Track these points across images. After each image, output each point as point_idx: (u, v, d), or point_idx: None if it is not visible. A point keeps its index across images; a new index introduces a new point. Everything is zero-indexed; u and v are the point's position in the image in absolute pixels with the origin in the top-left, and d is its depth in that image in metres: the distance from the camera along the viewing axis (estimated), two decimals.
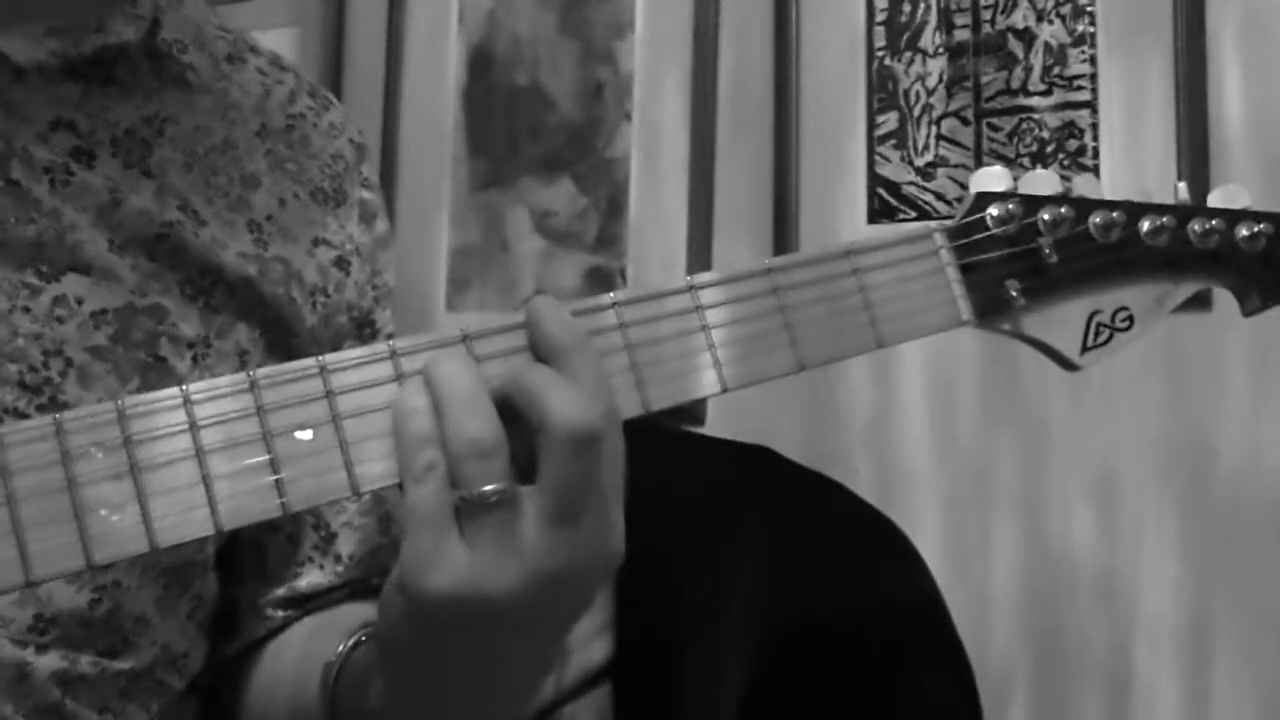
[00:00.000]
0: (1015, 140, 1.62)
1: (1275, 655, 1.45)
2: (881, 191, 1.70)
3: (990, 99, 1.65)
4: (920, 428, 1.65)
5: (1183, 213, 0.78)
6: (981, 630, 1.53)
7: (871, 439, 1.68)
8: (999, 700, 1.52)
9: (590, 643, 1.24)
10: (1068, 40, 1.60)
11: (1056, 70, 1.61)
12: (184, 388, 0.65)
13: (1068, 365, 0.77)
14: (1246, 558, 1.47)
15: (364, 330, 0.93)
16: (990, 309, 0.76)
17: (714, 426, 1.73)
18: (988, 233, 0.76)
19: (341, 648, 0.79)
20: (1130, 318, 0.77)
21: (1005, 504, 1.59)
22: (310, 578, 0.90)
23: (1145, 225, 0.77)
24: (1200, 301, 1.51)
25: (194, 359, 0.82)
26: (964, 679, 1.20)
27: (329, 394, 0.66)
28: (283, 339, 0.87)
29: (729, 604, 1.20)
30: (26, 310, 0.78)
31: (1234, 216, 0.79)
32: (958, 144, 1.66)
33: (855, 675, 1.17)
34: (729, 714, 1.15)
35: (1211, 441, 1.49)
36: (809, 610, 1.20)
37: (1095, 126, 1.58)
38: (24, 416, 0.75)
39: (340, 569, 0.91)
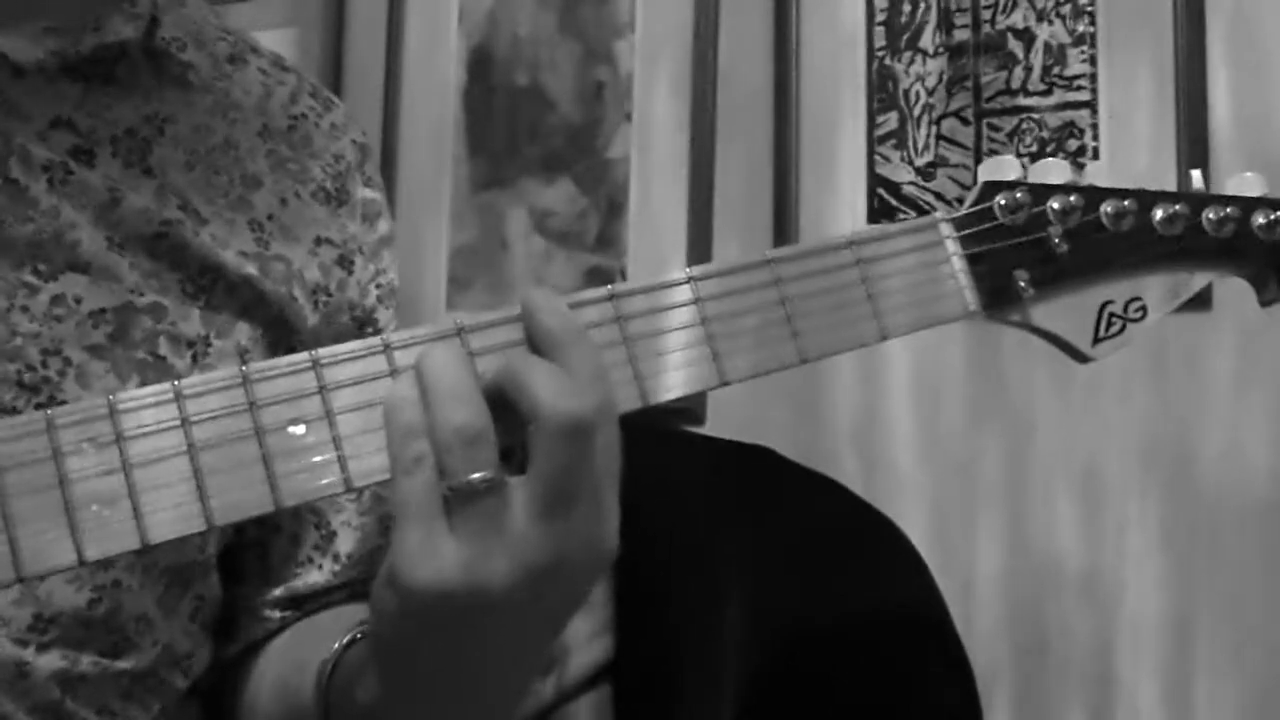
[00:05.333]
0: (1015, 140, 1.62)
1: (1256, 652, 1.45)
2: (881, 191, 1.70)
3: (990, 99, 1.65)
4: (906, 426, 1.65)
5: (1196, 201, 0.77)
6: (965, 628, 1.52)
7: (857, 438, 1.68)
8: (983, 698, 1.52)
9: (590, 643, 1.24)
10: (1068, 40, 1.60)
11: (1056, 70, 1.61)
12: (175, 383, 0.64)
13: (1080, 357, 0.76)
14: (1229, 556, 1.47)
15: (366, 329, 0.93)
16: (998, 300, 0.74)
17: (713, 426, 1.73)
18: (995, 222, 0.75)
19: (336, 646, 0.79)
20: (1144, 308, 0.76)
21: (990, 502, 1.60)
22: (309, 577, 0.90)
23: (1158, 214, 0.76)
24: (1199, 301, 1.51)
25: (193, 358, 0.82)
26: (965, 679, 1.20)
27: (322, 389, 0.65)
28: (284, 338, 0.87)
29: (729, 604, 1.20)
30: (25, 309, 0.78)
31: (1249, 204, 0.77)
32: (958, 144, 1.66)
33: (855, 675, 1.17)
34: (729, 714, 1.15)
35: (1195, 440, 1.50)
36: (809, 610, 1.19)
37: (1095, 126, 1.58)
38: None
39: (338, 568, 0.90)
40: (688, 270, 0.70)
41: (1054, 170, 0.76)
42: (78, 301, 0.79)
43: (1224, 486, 1.47)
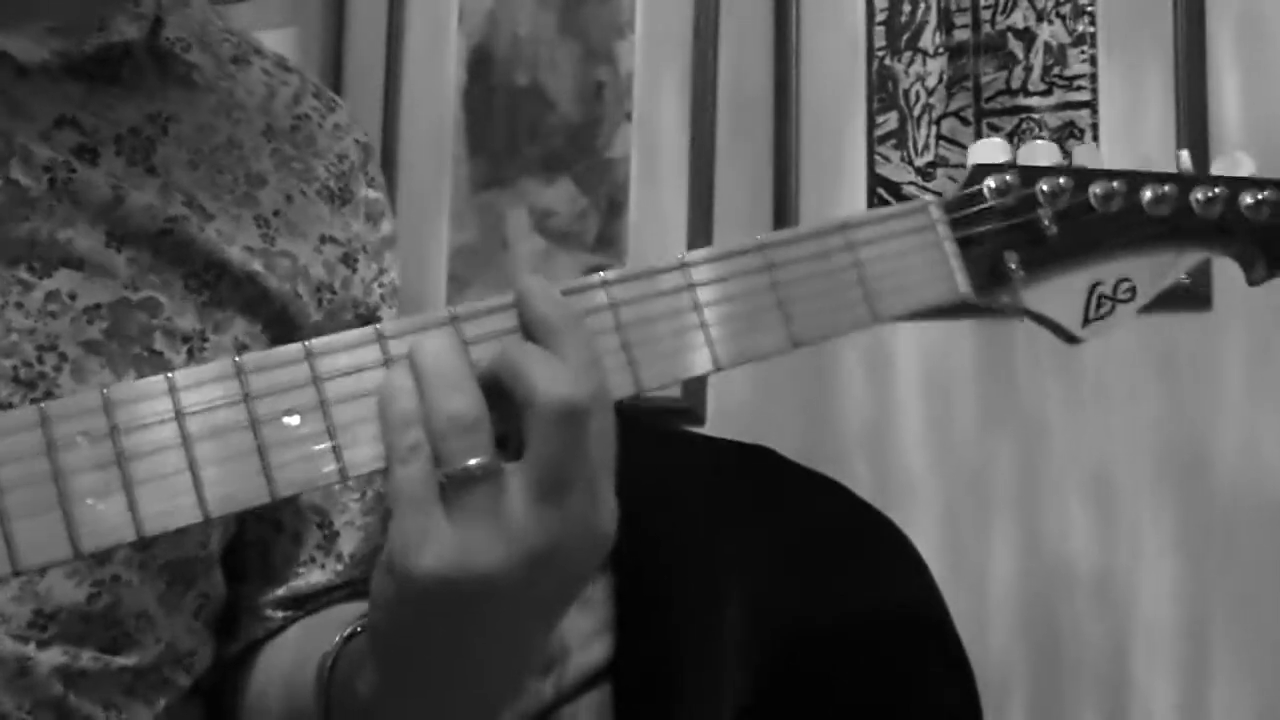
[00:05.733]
0: (1015, 140, 1.62)
1: (1272, 656, 1.45)
2: (881, 191, 1.70)
3: (990, 99, 1.65)
4: (917, 429, 1.65)
5: (1185, 182, 0.77)
6: (979, 632, 1.53)
7: (868, 441, 1.68)
8: (997, 702, 1.52)
9: (590, 643, 1.24)
10: (1068, 40, 1.60)
11: (1056, 70, 1.61)
12: (170, 375, 0.64)
13: (1069, 338, 0.76)
14: (1243, 558, 1.46)
15: None
16: (988, 282, 0.75)
17: (714, 427, 1.73)
18: (985, 205, 0.75)
19: (337, 639, 0.79)
20: (1133, 289, 0.76)
21: (1002, 505, 1.59)
22: (311, 577, 0.90)
23: (1147, 195, 0.77)
24: (1199, 301, 1.51)
25: (189, 352, 0.82)
26: (965, 679, 1.20)
27: (316, 379, 0.65)
28: (286, 334, 0.87)
29: (729, 604, 1.20)
30: (19, 306, 0.78)
31: (1237, 184, 0.77)
32: (958, 144, 1.66)
33: (855, 676, 1.17)
34: (729, 714, 1.15)
35: (1208, 442, 1.49)
36: (809, 611, 1.19)
37: (1095, 126, 1.57)
38: None
39: (341, 568, 0.90)
40: (680, 256, 0.70)
41: (1043, 153, 0.76)
42: (72, 297, 0.79)
43: (1237, 487, 1.47)
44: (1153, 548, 1.51)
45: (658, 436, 1.36)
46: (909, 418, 1.66)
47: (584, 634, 1.24)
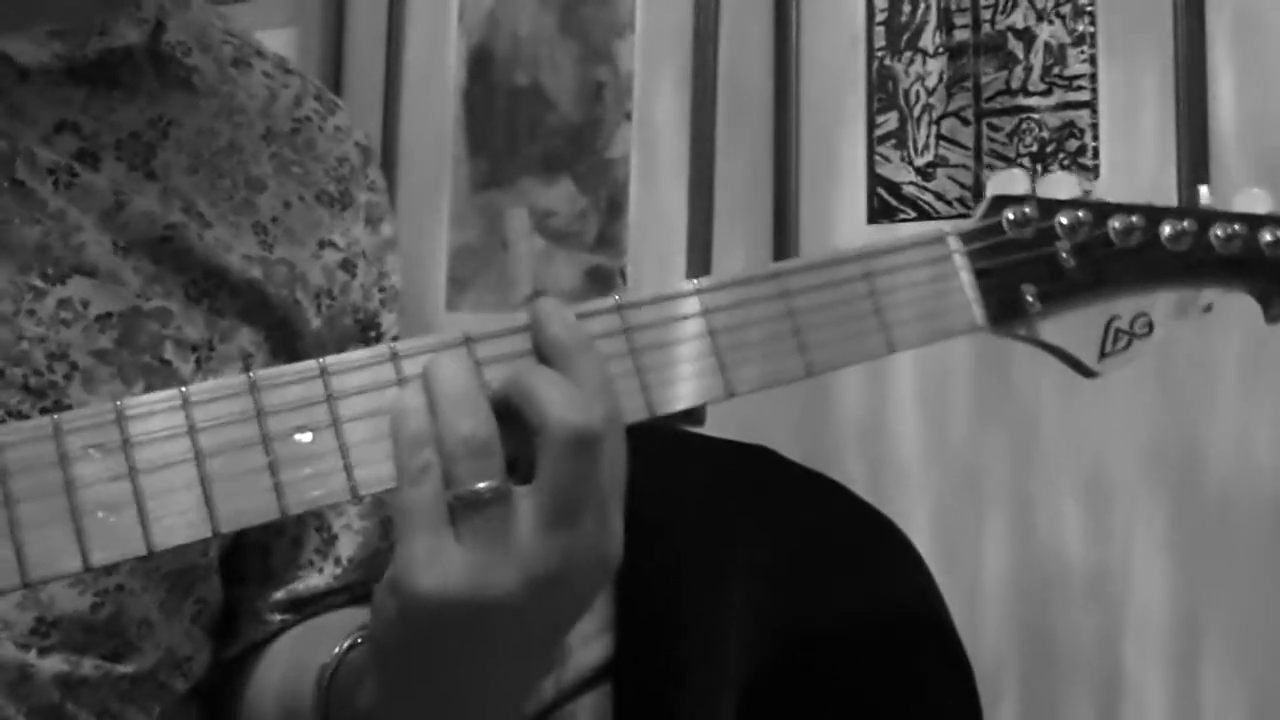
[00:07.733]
0: (1015, 140, 1.62)
1: (1264, 653, 1.45)
2: (881, 191, 1.70)
3: (990, 99, 1.65)
4: (911, 427, 1.65)
5: (1204, 217, 0.77)
6: (971, 629, 1.53)
7: (863, 438, 1.68)
8: (989, 698, 1.51)
9: (590, 643, 1.24)
10: (1068, 40, 1.60)
11: (1056, 70, 1.61)
12: (183, 390, 0.64)
13: (1086, 372, 0.76)
14: (1236, 556, 1.47)
15: (369, 333, 0.93)
16: (1005, 314, 0.74)
17: (713, 427, 1.73)
18: (1003, 236, 0.75)
19: (337, 650, 0.79)
20: (1150, 324, 0.76)
21: (996, 503, 1.59)
22: (310, 580, 0.90)
23: (1166, 230, 0.76)
24: None
25: (197, 362, 0.82)
26: (965, 679, 1.20)
27: (329, 397, 0.65)
28: (287, 342, 0.87)
29: (729, 604, 1.20)
30: (31, 313, 0.78)
31: (1257, 221, 0.77)
32: (958, 144, 1.66)
33: (855, 676, 1.17)
34: (729, 714, 1.15)
35: (1201, 441, 1.49)
36: (809, 611, 1.19)
37: (1095, 126, 1.57)
38: (27, 419, 0.75)
39: (339, 572, 0.91)
40: (695, 282, 0.70)
41: (1062, 185, 0.76)
42: (85, 305, 0.79)
43: (1230, 484, 1.47)
44: (1145, 543, 1.52)
45: (657, 436, 1.36)
46: (903, 415, 1.66)
47: (584, 634, 1.24)
